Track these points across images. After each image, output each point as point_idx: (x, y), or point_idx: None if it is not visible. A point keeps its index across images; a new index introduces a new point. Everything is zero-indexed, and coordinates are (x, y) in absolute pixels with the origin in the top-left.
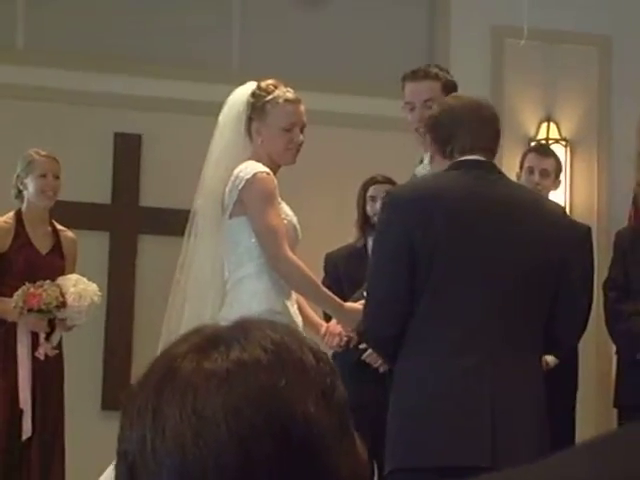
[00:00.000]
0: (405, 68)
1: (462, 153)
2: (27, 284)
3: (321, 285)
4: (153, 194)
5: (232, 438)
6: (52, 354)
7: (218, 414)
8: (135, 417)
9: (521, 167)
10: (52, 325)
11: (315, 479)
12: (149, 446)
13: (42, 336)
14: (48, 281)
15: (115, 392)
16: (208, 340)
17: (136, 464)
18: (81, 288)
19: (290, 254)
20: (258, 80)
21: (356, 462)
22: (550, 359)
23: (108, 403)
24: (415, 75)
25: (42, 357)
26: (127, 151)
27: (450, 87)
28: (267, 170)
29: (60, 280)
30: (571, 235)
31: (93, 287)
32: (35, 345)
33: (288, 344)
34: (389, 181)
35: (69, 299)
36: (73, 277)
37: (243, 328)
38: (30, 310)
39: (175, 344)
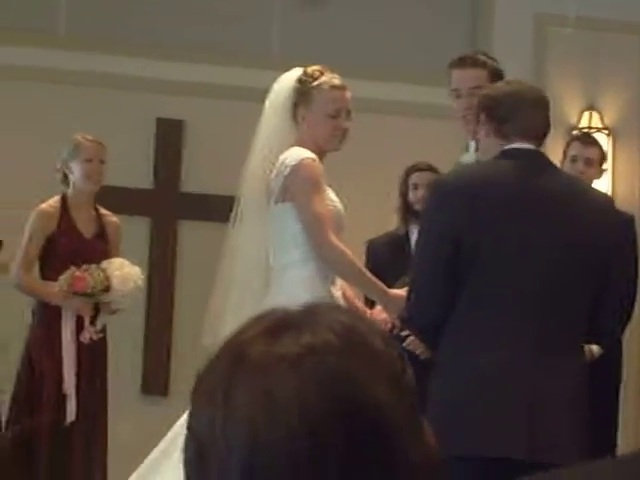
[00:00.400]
0: (448, 55)
1: (520, 135)
2: (72, 268)
3: (367, 271)
4: (194, 180)
5: (302, 422)
6: (97, 338)
7: (289, 398)
8: (205, 400)
9: (564, 156)
10: (96, 309)
11: (385, 464)
12: (219, 429)
13: (87, 320)
14: (93, 265)
15: (155, 377)
16: (278, 324)
17: (206, 447)
18: (125, 272)
19: (335, 241)
20: (299, 66)
21: (425, 447)
22: (595, 349)
23: (148, 387)
24: (462, 62)
25: (87, 341)
26: (169, 136)
27: (497, 75)
28: (313, 156)
29: (105, 264)
30: (619, 225)
31: (136, 270)
32: (79, 329)
33: (358, 328)
34: (431, 169)
35: (114, 282)
36: (117, 261)
37: (313, 312)
38: (75, 293)
39: (244, 328)
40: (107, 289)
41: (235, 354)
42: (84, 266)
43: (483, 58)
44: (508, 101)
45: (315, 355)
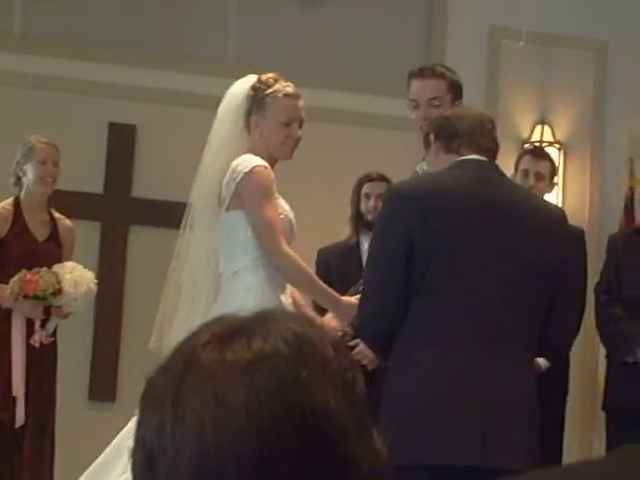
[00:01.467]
0: (402, 66)
1: (469, 148)
2: (23, 271)
3: (317, 279)
4: (145, 185)
5: (252, 429)
6: (47, 341)
7: (238, 404)
8: (154, 406)
9: (516, 169)
10: (47, 312)
11: (335, 472)
12: (168, 433)
13: (37, 323)
14: (44, 268)
15: (102, 382)
16: (230, 330)
17: (154, 452)
18: (77, 275)
19: (287, 248)
20: (254, 74)
21: (376, 456)
22: (542, 362)
23: (95, 393)
24: (422, 73)
25: (37, 344)
26: (121, 141)
27: (456, 87)
28: (265, 164)
29: (56, 267)
30: (570, 239)
31: (89, 274)
32: (30, 332)
33: (309, 336)
34: (384, 179)
35: (65, 286)
36: (69, 264)
37: (265, 319)
38: (26, 296)
39: (196, 333)
40: (58, 292)
41: (186, 359)
42: (35, 269)
43: (441, 69)
44: (456, 119)
45: (265, 362)
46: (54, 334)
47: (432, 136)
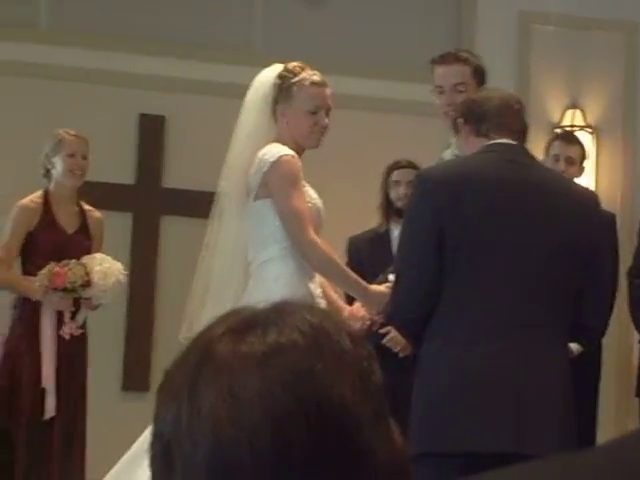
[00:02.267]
0: (431, 53)
1: (498, 132)
2: (52, 263)
3: (346, 268)
4: (176, 175)
5: (267, 420)
6: (77, 333)
7: (254, 396)
8: (171, 398)
9: (546, 154)
10: (77, 304)
11: (351, 463)
12: (184, 426)
13: (67, 315)
14: (74, 260)
15: (135, 373)
16: (245, 322)
17: (171, 444)
18: (106, 267)
19: (315, 237)
20: (281, 62)
21: (392, 447)
22: (574, 347)
23: (128, 384)
24: (445, 59)
25: (67, 336)
26: (151, 132)
27: (480, 72)
28: (292, 153)
29: (85, 259)
30: (601, 221)
31: (118, 266)
32: (60, 324)
33: (325, 327)
34: (413, 166)
35: (94, 278)
36: (98, 256)
37: (280, 311)
38: (55, 289)
39: (212, 326)
40: (87, 284)
41: (202, 352)
42: (64, 261)
43: (465, 55)
44: (483, 102)
45: (280, 354)
46: (84, 326)
47: (461, 120)
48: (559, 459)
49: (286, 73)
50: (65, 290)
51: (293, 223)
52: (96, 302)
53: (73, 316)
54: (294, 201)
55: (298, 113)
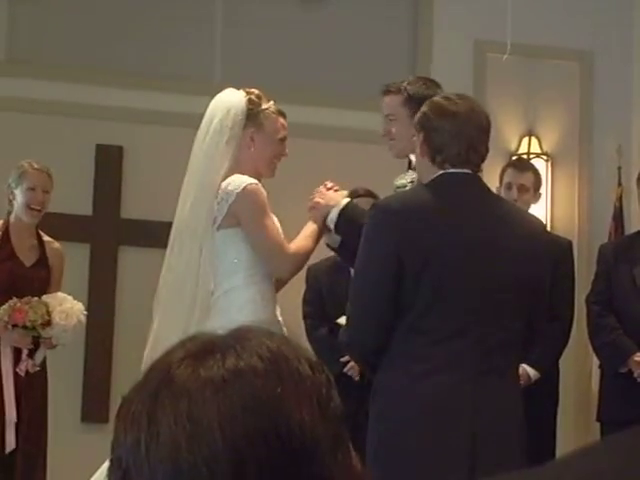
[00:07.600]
0: (387, 81)
1: (453, 165)
2: (14, 299)
3: (309, 239)
4: (134, 206)
5: (226, 445)
6: (33, 371)
7: (213, 421)
8: (130, 422)
9: (500, 182)
10: (36, 342)
11: None
12: (143, 451)
13: (25, 352)
14: (35, 298)
15: (95, 404)
16: (204, 347)
17: (130, 469)
18: (67, 307)
19: (291, 248)
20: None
21: (351, 473)
22: (532, 372)
23: (88, 415)
24: (383, 90)
25: (22, 373)
26: (109, 163)
27: (416, 99)
28: (255, 181)
29: (47, 298)
30: (551, 250)
31: (79, 306)
32: (17, 360)
33: (284, 353)
34: (370, 194)
35: (55, 317)
36: (60, 295)
37: (239, 336)
38: (15, 325)
39: (171, 351)
40: (47, 324)
41: (161, 376)
42: (25, 298)
43: (400, 85)
44: (447, 127)
45: (240, 378)
46: (43, 363)
47: (420, 136)
48: (521, 474)
49: (255, 99)
50: (25, 327)
51: (274, 251)
52: (56, 342)
53: (31, 354)
54: (269, 229)
55: (268, 140)
